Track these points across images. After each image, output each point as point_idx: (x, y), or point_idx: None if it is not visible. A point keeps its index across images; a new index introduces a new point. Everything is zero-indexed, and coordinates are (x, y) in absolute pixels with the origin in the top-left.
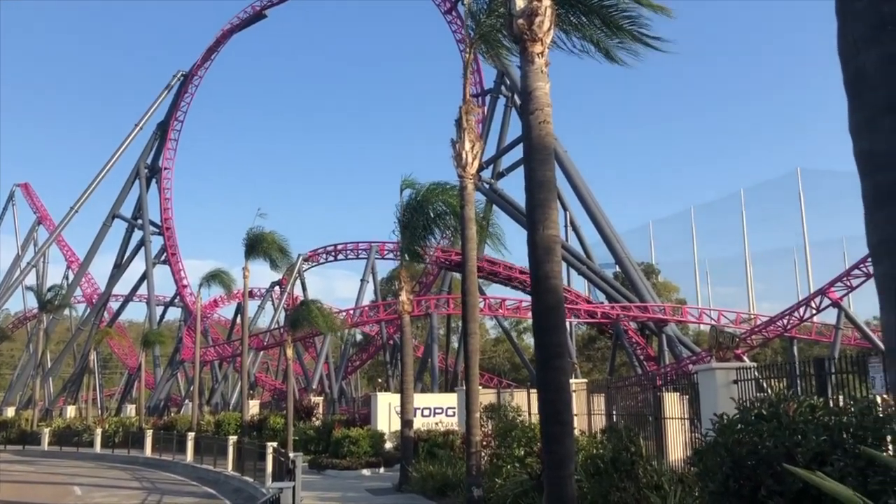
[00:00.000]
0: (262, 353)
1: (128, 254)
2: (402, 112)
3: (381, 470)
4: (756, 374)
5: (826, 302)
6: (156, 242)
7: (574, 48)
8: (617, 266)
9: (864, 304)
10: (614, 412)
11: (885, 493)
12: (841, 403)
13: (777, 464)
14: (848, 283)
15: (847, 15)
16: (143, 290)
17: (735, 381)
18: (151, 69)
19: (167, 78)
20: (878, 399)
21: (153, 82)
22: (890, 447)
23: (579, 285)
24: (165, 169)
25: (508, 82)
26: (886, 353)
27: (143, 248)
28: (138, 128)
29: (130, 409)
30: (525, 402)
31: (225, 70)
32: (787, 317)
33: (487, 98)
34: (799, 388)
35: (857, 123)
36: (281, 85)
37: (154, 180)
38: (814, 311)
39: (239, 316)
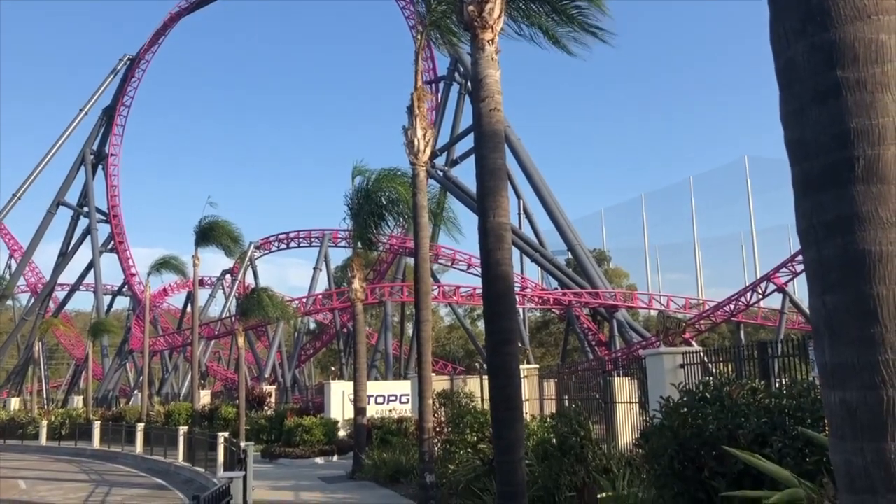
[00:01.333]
0: (213, 342)
1: (73, 242)
2: (357, 98)
3: (335, 458)
4: (702, 358)
5: (771, 287)
6: (103, 230)
7: (524, 36)
8: (569, 253)
9: None
10: (565, 397)
11: (820, 472)
12: (784, 386)
13: (720, 445)
14: (792, 269)
15: (778, 6)
16: (89, 278)
17: (682, 366)
18: (97, 52)
19: (113, 62)
20: (818, 381)
21: (99, 66)
22: (827, 428)
23: (532, 272)
24: (112, 155)
25: (462, 69)
26: (814, 336)
27: (89, 236)
28: (83, 113)
29: (78, 401)
30: (478, 389)
31: (174, 54)
32: (734, 302)
33: (441, 85)
34: (744, 372)
35: (787, 113)
36: (232, 70)
37: (100, 167)
38: (760, 297)
39: (189, 305)
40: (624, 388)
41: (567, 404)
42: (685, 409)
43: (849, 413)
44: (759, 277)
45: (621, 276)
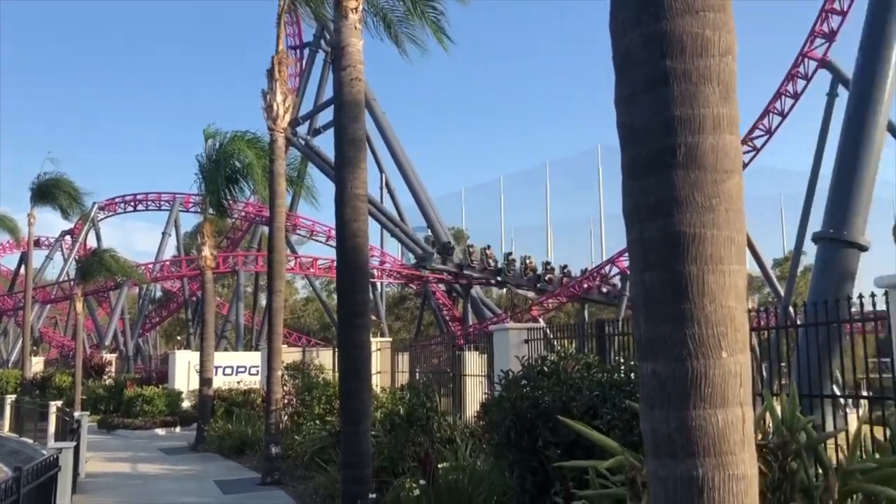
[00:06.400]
0: (48, 307)
1: None
2: (219, 60)
3: (177, 429)
4: (546, 333)
5: (615, 270)
6: None
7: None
8: (429, 230)
9: None
10: (417, 370)
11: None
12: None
13: (554, 416)
14: None
15: None
16: None
17: (526, 341)
18: None
19: None
20: None
21: None
22: None
23: (392, 247)
24: None
25: (328, 37)
26: (633, 312)
27: None
28: None
29: None
30: (330, 361)
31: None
32: (580, 283)
33: (306, 52)
34: (586, 348)
35: (620, 99)
36: (71, 19)
37: None
38: (605, 279)
39: (22, 266)
40: (474, 362)
41: (419, 377)
42: (524, 382)
43: (659, 383)
44: (604, 260)
45: None
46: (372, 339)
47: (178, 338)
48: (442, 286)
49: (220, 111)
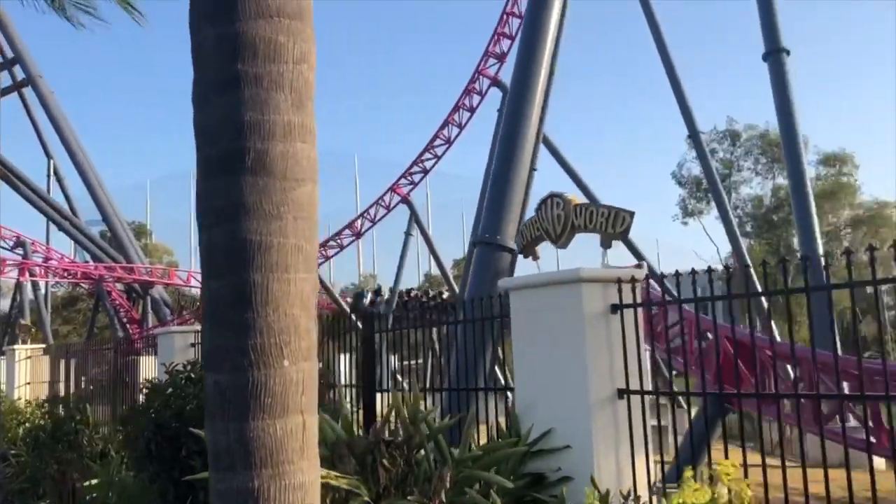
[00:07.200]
0: None
1: None
2: None
3: None
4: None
5: None
6: None
7: None
8: (104, 224)
9: (339, 273)
10: (83, 378)
11: None
12: None
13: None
14: (325, 254)
15: None
16: None
17: (193, 344)
18: None
19: None
20: None
21: None
22: None
23: (62, 243)
24: None
25: None
26: (202, 320)
27: None
28: None
29: None
30: None
31: None
32: None
33: None
34: None
35: (195, 96)
36: None
37: None
38: None
39: None
40: (151, 367)
41: (85, 385)
42: (170, 390)
43: (220, 394)
44: None
45: (164, 251)
46: (21, 346)
47: None
48: (119, 286)
49: None
